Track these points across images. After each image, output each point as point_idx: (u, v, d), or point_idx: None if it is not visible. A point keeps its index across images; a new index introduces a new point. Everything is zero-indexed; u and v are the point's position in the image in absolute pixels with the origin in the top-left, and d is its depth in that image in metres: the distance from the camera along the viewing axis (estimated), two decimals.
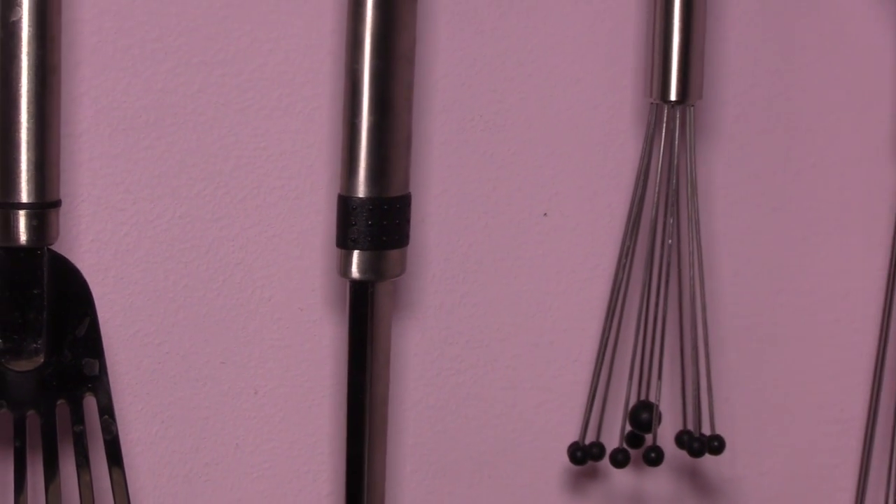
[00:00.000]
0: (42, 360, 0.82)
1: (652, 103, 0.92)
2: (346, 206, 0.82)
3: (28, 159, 0.80)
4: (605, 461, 0.92)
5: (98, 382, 0.83)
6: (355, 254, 0.83)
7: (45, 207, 0.81)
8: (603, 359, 0.93)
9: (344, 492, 0.86)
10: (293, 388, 0.99)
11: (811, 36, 1.06)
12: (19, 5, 0.79)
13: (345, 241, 0.83)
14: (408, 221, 0.84)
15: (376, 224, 0.83)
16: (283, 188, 0.97)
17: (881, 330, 0.98)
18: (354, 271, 0.83)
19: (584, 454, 0.93)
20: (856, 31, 1.06)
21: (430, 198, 0.99)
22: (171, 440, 0.97)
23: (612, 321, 0.93)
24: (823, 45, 1.06)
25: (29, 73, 0.80)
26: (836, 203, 1.08)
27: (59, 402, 0.83)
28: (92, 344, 0.83)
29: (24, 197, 0.80)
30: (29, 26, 0.80)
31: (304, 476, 1.00)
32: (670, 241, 0.92)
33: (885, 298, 0.98)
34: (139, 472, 0.96)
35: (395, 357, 0.96)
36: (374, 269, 0.83)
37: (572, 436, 0.94)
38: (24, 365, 0.82)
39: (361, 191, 0.82)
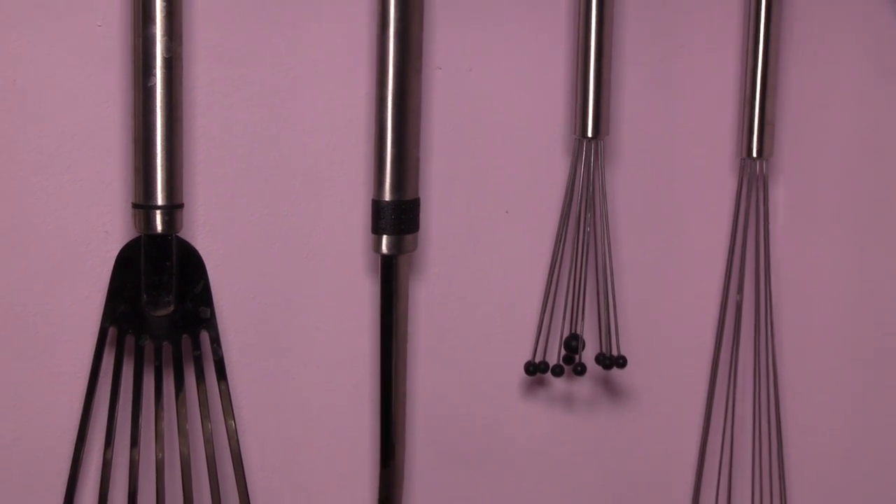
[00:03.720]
0: (172, 308, 0.81)
1: (576, 138, 0.89)
2: (377, 206, 0.81)
3: (162, 177, 0.78)
4: (548, 373, 0.90)
5: (210, 323, 0.81)
6: (384, 237, 0.81)
7: (173, 208, 0.79)
8: (546, 304, 0.90)
9: (379, 393, 0.84)
10: (342, 326, 0.95)
11: (679, 93, 1.01)
12: (154, 75, 0.76)
13: (377, 229, 0.81)
14: (418, 215, 0.82)
15: (397, 217, 0.81)
16: (334, 196, 0.93)
17: (723, 291, 0.94)
18: (384, 248, 0.81)
19: (534, 368, 0.90)
20: (709, 88, 1.01)
21: (431, 200, 0.96)
22: (261, 361, 0.93)
23: (551, 280, 0.91)
24: (688, 99, 1.01)
25: (161, 122, 0.77)
26: (693, 204, 1.02)
27: (183, 336, 0.81)
28: (205, 297, 0.81)
29: (160, 201, 0.78)
30: (161, 89, 0.77)
31: (350, 383, 0.96)
32: (588, 228, 0.89)
33: (726, 269, 0.94)
34: (238, 383, 0.93)
35: (411, 306, 0.95)
36: (397, 247, 0.81)
37: (526, 355, 0.91)
38: (160, 311, 0.80)
39: (387, 196, 0.80)
